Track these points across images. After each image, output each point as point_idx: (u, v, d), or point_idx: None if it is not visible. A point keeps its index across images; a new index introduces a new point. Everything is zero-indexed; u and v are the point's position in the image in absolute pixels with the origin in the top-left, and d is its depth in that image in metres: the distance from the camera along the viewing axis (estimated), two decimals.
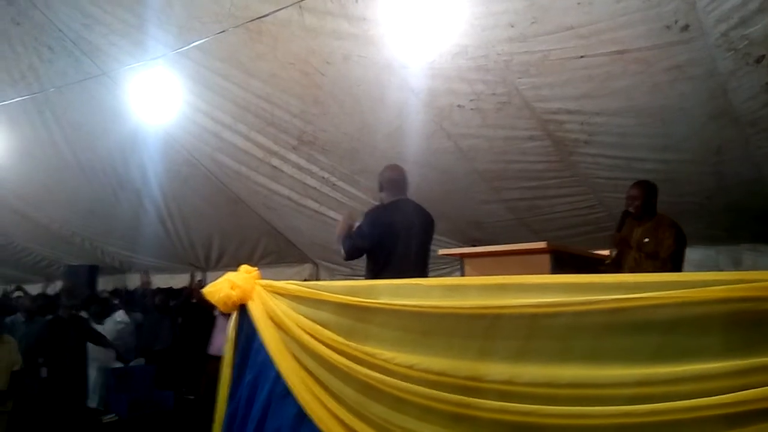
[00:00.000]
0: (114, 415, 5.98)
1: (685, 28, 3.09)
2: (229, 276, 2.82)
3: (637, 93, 3.61)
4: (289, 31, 3.93)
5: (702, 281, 1.60)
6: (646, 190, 3.72)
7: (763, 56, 3.08)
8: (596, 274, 2.19)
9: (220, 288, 2.80)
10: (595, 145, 4.09)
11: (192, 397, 6.78)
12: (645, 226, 3.72)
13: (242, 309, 2.80)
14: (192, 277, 7.44)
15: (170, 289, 7.95)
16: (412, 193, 5.22)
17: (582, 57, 3.46)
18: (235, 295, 2.77)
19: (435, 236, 5.65)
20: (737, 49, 3.08)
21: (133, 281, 8.45)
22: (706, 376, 1.56)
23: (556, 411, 1.75)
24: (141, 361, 7.10)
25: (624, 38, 3.26)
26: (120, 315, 7.10)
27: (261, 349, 2.63)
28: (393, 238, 3.34)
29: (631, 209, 3.71)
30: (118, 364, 6.82)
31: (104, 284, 8.92)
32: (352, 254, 3.44)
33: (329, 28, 3.79)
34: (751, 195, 4.14)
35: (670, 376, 1.60)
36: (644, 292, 1.64)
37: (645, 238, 3.67)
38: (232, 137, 5.17)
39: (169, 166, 5.92)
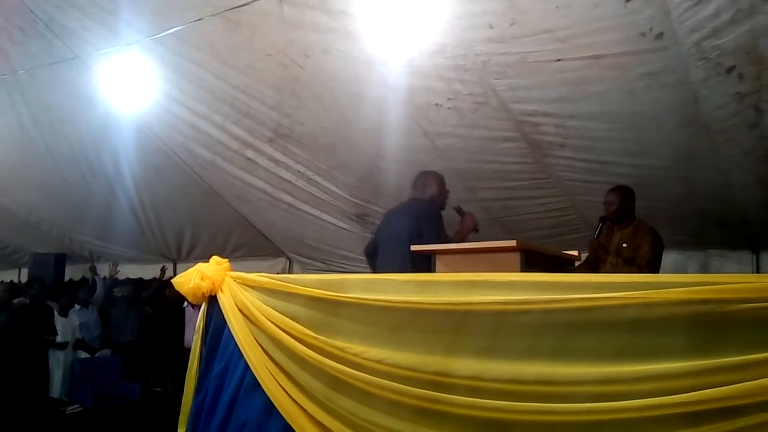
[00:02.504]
0: (78, 405, 5.88)
1: (660, 36, 3.14)
2: (199, 267, 2.80)
3: (611, 98, 3.66)
4: (268, 22, 3.88)
5: (665, 283, 1.64)
6: (623, 195, 3.79)
7: (734, 67, 3.14)
8: (564, 273, 2.22)
9: (190, 279, 2.79)
10: (569, 148, 4.14)
11: (159, 390, 6.71)
12: (624, 231, 3.79)
13: (212, 300, 2.79)
14: (162, 270, 7.34)
15: (140, 280, 7.84)
16: (390, 190, 5.30)
17: (559, 60, 3.49)
18: (204, 286, 2.75)
19: None
20: (709, 59, 3.14)
21: (102, 271, 8.29)
22: (668, 376, 1.59)
23: (522, 407, 1.77)
24: (107, 352, 7.00)
25: (600, 43, 3.30)
26: (77, 307, 7.00)
27: (230, 341, 2.62)
28: (382, 238, 3.57)
29: (606, 214, 3.78)
30: (84, 355, 6.72)
31: (72, 273, 8.75)
32: (365, 249, 3.77)
33: (308, 20, 3.76)
34: (719, 202, 4.24)
35: (634, 374, 1.64)
36: (610, 292, 1.67)
37: (623, 243, 3.74)
38: (207, 127, 5.09)
39: (142, 155, 5.81)
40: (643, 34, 3.15)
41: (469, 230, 3.38)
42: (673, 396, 1.55)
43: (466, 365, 1.91)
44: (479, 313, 1.94)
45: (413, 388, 1.95)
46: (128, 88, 4.61)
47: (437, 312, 2.04)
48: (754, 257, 4.73)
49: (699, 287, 1.59)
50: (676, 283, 1.62)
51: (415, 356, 2.01)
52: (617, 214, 3.78)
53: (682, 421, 1.55)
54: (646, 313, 1.63)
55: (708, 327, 1.58)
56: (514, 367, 1.83)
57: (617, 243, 3.78)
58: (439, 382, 1.93)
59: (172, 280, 2.95)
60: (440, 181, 3.60)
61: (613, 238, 3.82)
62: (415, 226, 3.29)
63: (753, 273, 4.59)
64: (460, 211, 3.52)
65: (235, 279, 2.72)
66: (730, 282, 1.59)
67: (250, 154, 5.25)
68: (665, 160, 4.02)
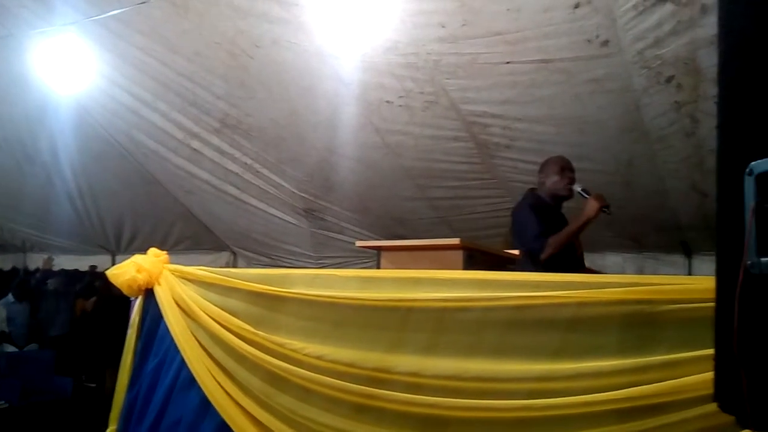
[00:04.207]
0: (3, 402, 5.59)
1: (605, 43, 3.22)
2: (136, 259, 2.71)
3: (557, 102, 3.74)
4: (218, 9, 3.78)
5: (601, 283, 1.68)
6: None
7: (673, 76, 3.26)
8: (505, 272, 2.25)
9: (126, 271, 2.69)
10: (515, 150, 4.21)
11: (93, 385, 6.46)
12: None
13: (148, 293, 2.70)
14: (92, 268, 7.05)
15: (75, 272, 7.53)
16: (340, 186, 5.26)
17: (508, 63, 3.54)
18: (141, 278, 2.66)
19: (358, 230, 5.72)
20: (651, 68, 3.25)
21: (35, 261, 7.91)
22: (602, 373, 1.63)
23: (461, 404, 1.78)
24: (34, 346, 6.68)
25: (548, 48, 3.36)
26: (11, 299, 6.67)
27: (166, 335, 2.54)
28: None
29: None
30: (12, 349, 6.41)
31: (2, 262, 8.31)
32: None
33: (259, 9, 3.68)
34: (656, 207, 4.40)
35: (569, 372, 1.67)
36: (548, 291, 1.70)
37: None
38: (151, 115, 4.93)
39: (81, 141, 5.56)
40: (589, 41, 3.23)
41: (589, 216, 2.86)
42: (605, 393, 1.59)
43: (407, 362, 1.91)
44: (421, 310, 1.94)
45: (353, 385, 1.93)
46: (67, 70, 4.40)
47: (380, 308, 2.03)
48: (687, 261, 4.93)
49: (632, 288, 1.64)
50: (611, 284, 1.67)
51: (356, 353, 1.99)
52: None
53: (613, 417, 1.59)
54: (582, 312, 1.66)
55: (640, 326, 1.63)
56: (454, 364, 1.84)
57: None
58: (380, 379, 1.92)
59: (107, 272, 2.84)
60: (559, 167, 3.16)
61: None
62: (513, 225, 3.11)
63: (685, 275, 4.79)
64: (585, 193, 3.03)
65: (173, 272, 2.64)
66: (662, 283, 1.65)
67: (195, 144, 5.12)
68: (607, 164, 4.13)
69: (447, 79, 3.79)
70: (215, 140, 5.04)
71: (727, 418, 0.92)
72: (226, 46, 4.06)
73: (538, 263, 2.83)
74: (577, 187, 3.08)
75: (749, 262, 0.79)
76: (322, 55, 3.86)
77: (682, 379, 1.47)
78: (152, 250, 2.79)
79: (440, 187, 4.92)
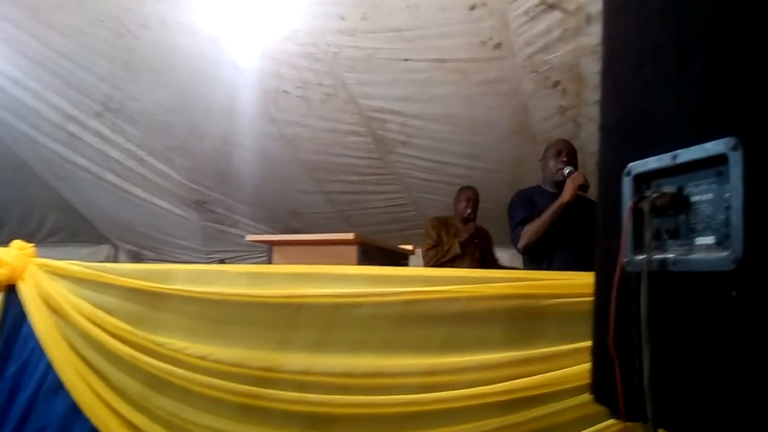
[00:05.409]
0: None
1: (498, 46, 3.33)
2: None
3: (453, 102, 3.83)
4: None
5: (488, 278, 1.72)
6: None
7: (559, 82, 3.44)
8: (396, 267, 2.26)
9: None
10: (411, 146, 4.27)
11: None
12: (468, 227, 3.97)
13: (10, 290, 2.43)
14: None
15: None
16: (234, 177, 5.06)
17: (406, 60, 3.57)
18: (2, 273, 2.38)
19: (252, 223, 5.56)
20: (539, 72, 3.41)
21: None
22: (487, 366, 1.66)
23: (349, 401, 1.75)
24: None
25: (445, 47, 3.43)
26: None
27: (30, 336, 2.30)
28: None
29: (472, 212, 3.86)
30: None
31: None
32: None
33: None
34: None
35: (456, 365, 1.68)
36: (437, 286, 1.71)
37: (476, 239, 3.90)
38: (21, 94, 4.48)
39: None
40: (483, 43, 3.33)
41: (563, 199, 2.56)
42: (490, 386, 1.62)
43: (295, 360, 1.85)
44: (312, 306, 1.89)
45: (238, 385, 1.85)
46: None
47: (269, 305, 1.95)
48: None
49: (517, 282, 1.69)
50: (498, 278, 1.71)
51: (243, 351, 1.91)
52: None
53: (497, 409, 1.62)
54: (469, 307, 1.69)
55: (524, 320, 1.68)
56: (344, 360, 1.80)
57: (471, 236, 3.95)
58: (267, 378, 1.85)
59: None
60: (556, 151, 2.84)
61: (458, 234, 3.99)
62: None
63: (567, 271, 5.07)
64: (570, 175, 2.68)
65: (40, 266, 2.39)
66: (545, 278, 1.71)
67: (72, 128, 4.72)
68: (497, 164, 4.30)
69: (346, 72, 3.76)
70: (95, 124, 4.68)
71: (602, 408, 0.95)
72: (110, 24, 3.77)
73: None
74: (566, 171, 2.73)
75: (625, 260, 0.82)
76: (215, 39, 3.69)
77: (562, 370, 1.53)
78: (16, 242, 2.51)
79: (338, 181, 4.89)
